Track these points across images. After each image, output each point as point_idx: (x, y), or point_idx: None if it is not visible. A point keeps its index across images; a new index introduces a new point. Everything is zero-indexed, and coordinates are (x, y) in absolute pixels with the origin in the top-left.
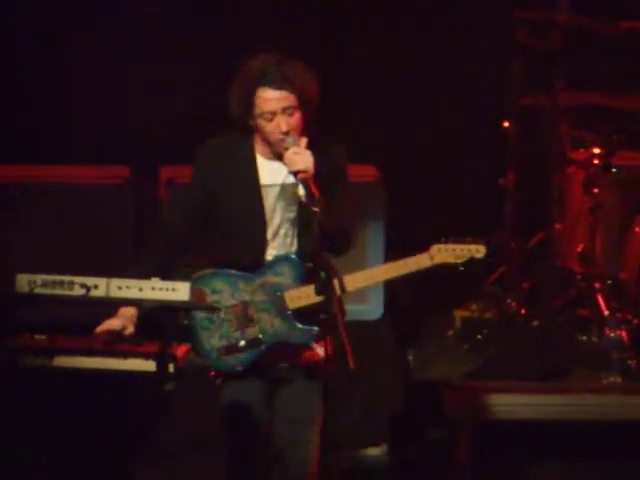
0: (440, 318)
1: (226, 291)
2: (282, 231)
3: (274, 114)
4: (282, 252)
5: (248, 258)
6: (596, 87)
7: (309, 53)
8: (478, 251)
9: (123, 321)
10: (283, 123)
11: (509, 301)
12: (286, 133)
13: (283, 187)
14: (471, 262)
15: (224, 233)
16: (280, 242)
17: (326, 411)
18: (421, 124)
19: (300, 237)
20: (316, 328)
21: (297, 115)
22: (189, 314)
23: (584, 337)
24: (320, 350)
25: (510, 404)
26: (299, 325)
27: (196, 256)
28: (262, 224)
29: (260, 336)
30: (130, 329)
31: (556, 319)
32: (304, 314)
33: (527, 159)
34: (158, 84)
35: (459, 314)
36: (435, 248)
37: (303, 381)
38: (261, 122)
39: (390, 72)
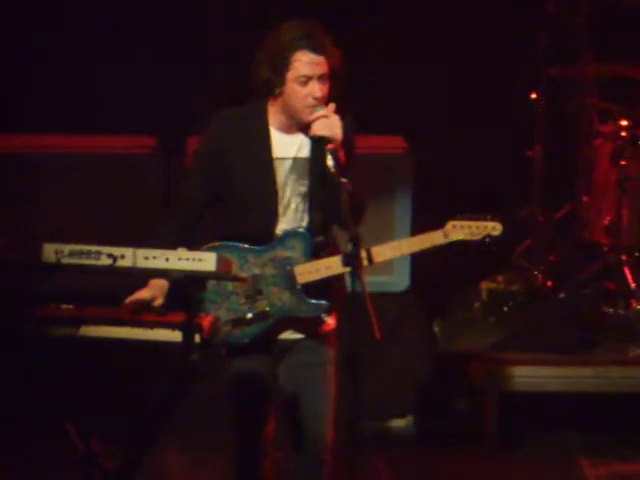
0: (466, 290)
1: (235, 264)
2: (293, 205)
3: (310, 78)
4: (292, 226)
5: (258, 231)
6: (624, 58)
7: (335, 22)
8: (494, 229)
9: (153, 292)
10: (317, 89)
11: (535, 273)
12: (318, 99)
13: (295, 160)
14: (486, 240)
15: (234, 205)
16: (290, 216)
17: (350, 382)
18: (449, 95)
19: (311, 211)
20: (324, 302)
21: (327, 86)
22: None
23: (610, 309)
24: (330, 321)
25: (536, 376)
26: (308, 299)
27: (213, 231)
28: (274, 197)
29: (268, 309)
30: (159, 300)
31: (582, 291)
32: (313, 288)
33: (555, 131)
34: (187, 55)
35: (485, 286)
36: (450, 225)
37: (310, 351)
38: (294, 86)
39: (419, 42)
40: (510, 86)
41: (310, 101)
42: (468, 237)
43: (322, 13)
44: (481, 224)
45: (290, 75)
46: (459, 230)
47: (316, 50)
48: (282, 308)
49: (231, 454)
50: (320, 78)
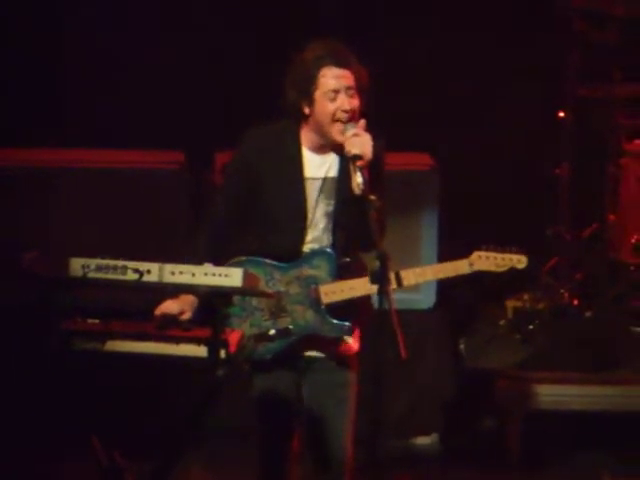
0: (492, 308)
1: (261, 280)
2: (320, 225)
3: (337, 92)
4: (319, 246)
5: (285, 249)
6: None
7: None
8: (520, 262)
9: (182, 305)
10: (346, 102)
11: (562, 292)
12: (348, 112)
13: (325, 181)
14: (511, 272)
15: (263, 222)
16: (317, 235)
17: (374, 400)
18: (476, 114)
19: (336, 232)
20: (348, 323)
21: (356, 99)
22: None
23: (637, 328)
24: (352, 342)
25: (561, 394)
26: (331, 319)
27: (239, 246)
28: (302, 216)
29: (291, 327)
30: (187, 314)
31: (609, 310)
32: (337, 308)
33: (582, 150)
34: (215, 70)
35: (511, 304)
36: (476, 255)
37: (333, 371)
38: (323, 103)
39: (447, 61)
40: (538, 104)
41: (340, 115)
42: (493, 268)
43: (346, 32)
44: (507, 256)
45: (318, 93)
46: (484, 261)
47: (340, 64)
48: (305, 327)
49: (256, 470)
50: (347, 90)
